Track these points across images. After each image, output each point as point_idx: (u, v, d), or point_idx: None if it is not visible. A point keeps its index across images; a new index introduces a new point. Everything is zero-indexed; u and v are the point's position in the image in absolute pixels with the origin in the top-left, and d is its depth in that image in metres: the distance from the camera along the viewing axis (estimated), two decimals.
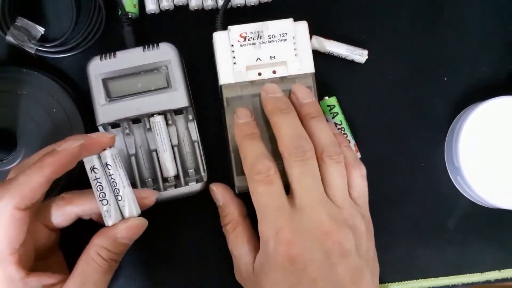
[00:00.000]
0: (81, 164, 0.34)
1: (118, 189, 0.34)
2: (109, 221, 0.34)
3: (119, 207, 0.34)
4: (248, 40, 0.39)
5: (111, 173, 0.34)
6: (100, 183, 0.34)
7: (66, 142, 0.33)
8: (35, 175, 0.31)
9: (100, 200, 0.34)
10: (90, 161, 0.34)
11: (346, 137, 0.41)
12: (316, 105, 0.38)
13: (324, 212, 0.34)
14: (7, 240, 0.31)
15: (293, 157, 0.35)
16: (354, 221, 0.35)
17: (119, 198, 0.34)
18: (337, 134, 0.38)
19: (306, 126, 0.37)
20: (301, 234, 0.33)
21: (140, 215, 0.35)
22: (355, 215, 0.35)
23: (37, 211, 0.33)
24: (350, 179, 0.37)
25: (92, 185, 0.34)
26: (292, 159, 0.35)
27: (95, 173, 0.34)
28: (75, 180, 0.38)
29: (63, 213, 0.35)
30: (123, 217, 0.34)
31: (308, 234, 0.33)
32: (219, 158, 0.41)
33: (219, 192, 0.39)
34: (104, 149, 0.34)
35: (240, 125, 0.37)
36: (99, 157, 0.34)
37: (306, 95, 0.38)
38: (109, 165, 0.34)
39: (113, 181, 0.34)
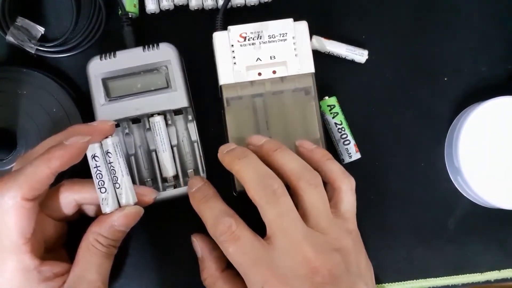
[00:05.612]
0: (85, 159, 0.34)
1: (116, 177, 0.35)
2: (106, 209, 0.34)
3: (117, 195, 0.35)
4: (248, 40, 0.39)
5: (111, 161, 0.35)
6: (100, 171, 0.34)
7: (72, 135, 0.33)
8: (42, 166, 0.32)
9: (98, 188, 0.34)
10: (92, 149, 0.34)
11: (346, 137, 0.41)
12: (273, 141, 0.37)
13: (308, 247, 0.32)
14: (19, 230, 0.31)
15: (264, 199, 0.33)
16: (340, 242, 0.34)
17: (117, 186, 0.35)
18: (315, 149, 0.38)
19: (272, 162, 0.36)
20: (288, 279, 0.31)
21: (136, 204, 0.35)
22: (341, 235, 0.34)
23: (41, 202, 0.34)
24: (339, 195, 0.36)
25: (92, 173, 0.34)
26: (263, 203, 0.33)
27: (96, 161, 0.34)
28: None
29: (64, 200, 0.35)
30: (120, 205, 0.35)
31: (295, 276, 0.32)
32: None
33: (198, 244, 0.38)
34: (106, 137, 0.35)
35: (192, 194, 0.37)
36: (101, 146, 0.35)
37: (260, 138, 0.38)
38: (110, 153, 0.35)
39: (112, 169, 0.35)
